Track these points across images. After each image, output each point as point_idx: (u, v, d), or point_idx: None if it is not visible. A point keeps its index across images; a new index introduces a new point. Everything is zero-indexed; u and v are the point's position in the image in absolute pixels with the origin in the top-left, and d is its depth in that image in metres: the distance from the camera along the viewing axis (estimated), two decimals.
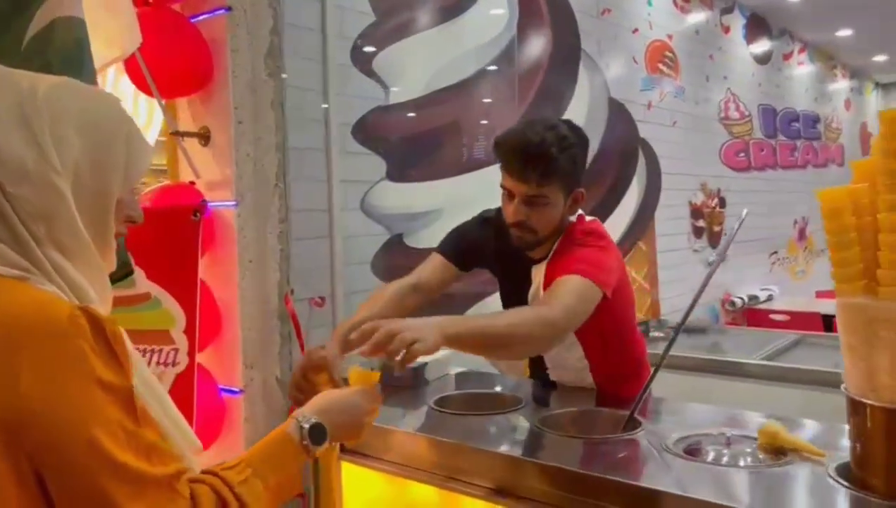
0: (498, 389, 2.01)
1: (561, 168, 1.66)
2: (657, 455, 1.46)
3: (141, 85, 1.88)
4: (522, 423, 1.70)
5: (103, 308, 0.91)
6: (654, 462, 1.45)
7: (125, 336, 0.90)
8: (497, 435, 1.64)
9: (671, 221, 4.37)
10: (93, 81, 1.46)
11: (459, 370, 2.18)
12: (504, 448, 1.52)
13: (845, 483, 1.24)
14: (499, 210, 1.86)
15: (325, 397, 1.12)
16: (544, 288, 1.77)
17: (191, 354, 1.70)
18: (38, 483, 0.78)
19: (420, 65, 2.57)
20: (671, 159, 4.30)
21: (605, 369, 1.89)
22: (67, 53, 1.42)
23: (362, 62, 2.36)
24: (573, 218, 1.84)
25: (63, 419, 0.77)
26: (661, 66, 4.24)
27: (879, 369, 1.17)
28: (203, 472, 0.93)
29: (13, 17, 1.44)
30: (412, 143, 2.55)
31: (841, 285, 1.23)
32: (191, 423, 1.64)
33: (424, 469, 1.65)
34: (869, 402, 1.19)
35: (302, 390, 1.48)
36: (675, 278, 4.37)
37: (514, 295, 1.90)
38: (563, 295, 1.58)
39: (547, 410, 1.79)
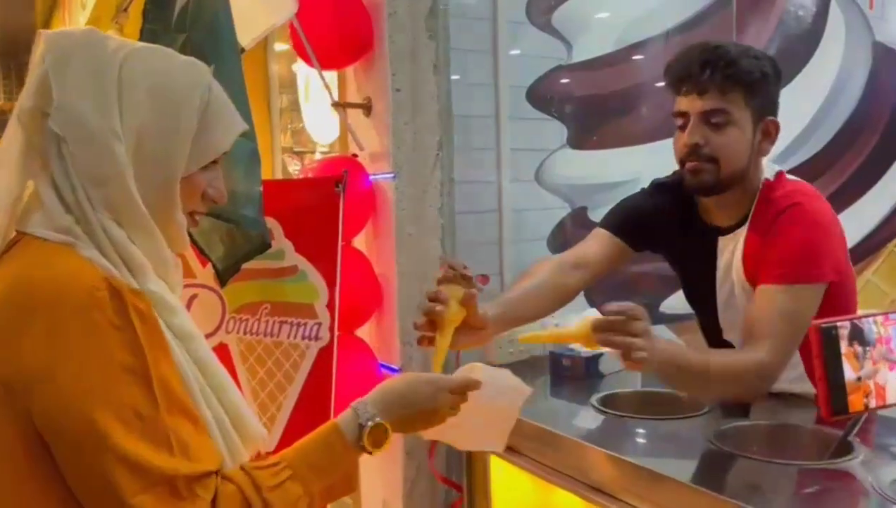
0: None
1: (747, 74, 1.36)
2: (868, 497, 1.09)
3: (303, 56, 1.88)
4: (694, 435, 1.39)
5: (164, 281, 0.86)
6: (862, 504, 1.09)
7: (178, 307, 0.85)
8: (657, 448, 1.37)
9: None
10: (232, 53, 1.48)
11: None
12: (659, 466, 1.25)
13: None
14: (675, 174, 1.55)
15: (393, 388, 0.95)
16: (747, 275, 1.44)
17: (331, 329, 1.66)
18: (47, 448, 0.75)
19: (611, 16, 2.28)
20: None
21: None
22: (206, 26, 1.44)
23: (540, 17, 2.15)
24: (769, 174, 1.47)
25: (63, 390, 0.74)
26: None
27: None
28: (240, 468, 0.84)
29: None
30: (601, 105, 2.28)
31: None
32: (329, 396, 1.60)
33: (570, 474, 1.44)
34: None
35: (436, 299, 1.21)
36: None
37: (699, 277, 1.57)
38: (771, 322, 1.33)
39: (733, 420, 1.45)
